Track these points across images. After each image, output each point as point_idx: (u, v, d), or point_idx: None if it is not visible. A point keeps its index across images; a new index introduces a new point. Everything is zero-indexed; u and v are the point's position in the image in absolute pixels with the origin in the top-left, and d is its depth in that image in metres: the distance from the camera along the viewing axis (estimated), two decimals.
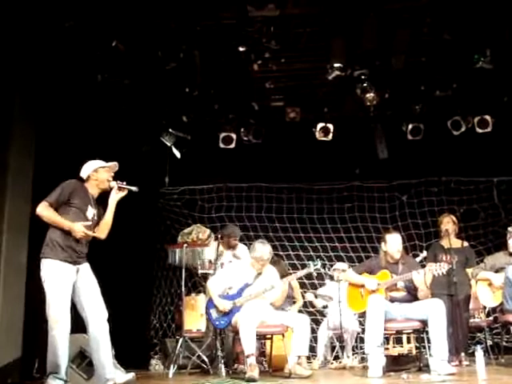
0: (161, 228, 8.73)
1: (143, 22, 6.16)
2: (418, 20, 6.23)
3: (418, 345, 6.51)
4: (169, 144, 8.18)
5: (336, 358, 7.34)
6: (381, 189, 8.96)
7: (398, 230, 6.75)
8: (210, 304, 5.92)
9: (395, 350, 7.64)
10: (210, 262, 7.02)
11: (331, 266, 7.72)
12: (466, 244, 6.86)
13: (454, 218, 6.83)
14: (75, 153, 7.15)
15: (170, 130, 8.12)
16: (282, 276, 6.23)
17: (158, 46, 6.50)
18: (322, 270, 6.57)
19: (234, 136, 8.23)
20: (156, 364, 7.68)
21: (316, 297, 7.87)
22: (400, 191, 8.93)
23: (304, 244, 8.89)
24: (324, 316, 7.72)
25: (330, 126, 8.08)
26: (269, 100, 7.81)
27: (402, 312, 5.64)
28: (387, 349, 7.20)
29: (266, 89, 7.50)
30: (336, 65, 6.59)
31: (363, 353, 6.75)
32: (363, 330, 6.16)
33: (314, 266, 6.06)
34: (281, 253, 8.60)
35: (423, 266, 5.90)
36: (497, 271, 6.37)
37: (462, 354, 6.12)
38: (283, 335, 5.82)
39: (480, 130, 7.88)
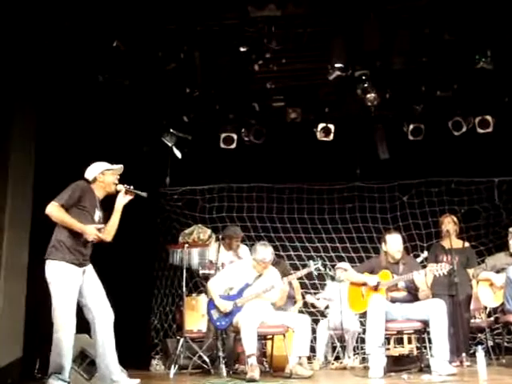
0: (162, 228, 8.73)
1: (144, 23, 6.15)
2: (419, 20, 6.23)
3: (418, 345, 6.50)
4: (170, 144, 8.18)
5: (337, 358, 7.34)
6: (382, 189, 8.95)
7: (398, 230, 6.75)
8: (211, 305, 5.92)
9: (396, 351, 7.64)
10: (211, 262, 7.03)
11: (332, 266, 7.72)
12: (466, 244, 6.86)
13: (455, 219, 6.84)
14: (76, 153, 7.17)
15: (171, 130, 8.12)
16: (284, 276, 6.23)
17: (159, 46, 6.50)
18: (323, 270, 6.56)
19: (234, 136, 8.23)
20: (157, 364, 7.68)
21: (318, 299, 7.87)
22: (401, 191, 8.92)
23: (305, 244, 8.88)
24: (325, 316, 7.71)
25: (331, 127, 8.07)
26: (270, 100, 7.80)
27: (403, 312, 5.64)
28: (388, 349, 7.19)
29: (267, 89, 7.49)
30: (337, 65, 6.59)
31: (364, 353, 6.75)
32: (364, 331, 6.16)
33: (315, 265, 6.07)
34: (282, 253, 8.59)
35: (424, 267, 5.90)
36: (498, 272, 6.37)
37: (463, 355, 6.12)
38: (284, 335, 5.82)
39: (481, 131, 7.87)
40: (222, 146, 8.26)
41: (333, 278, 7.51)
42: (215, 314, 5.86)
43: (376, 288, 5.73)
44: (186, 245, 7.13)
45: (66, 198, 4.49)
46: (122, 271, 7.58)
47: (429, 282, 5.90)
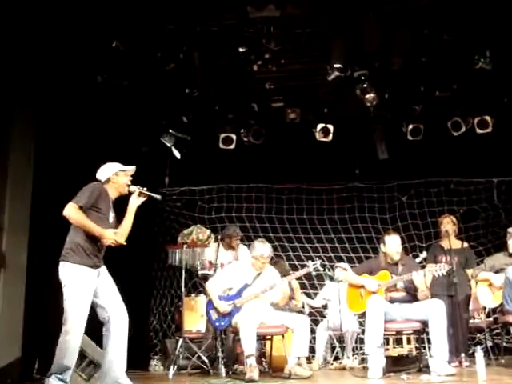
0: (161, 228, 8.73)
1: (143, 23, 6.15)
2: (418, 21, 6.23)
3: (418, 345, 6.51)
4: (169, 145, 8.18)
5: (336, 358, 7.35)
6: (381, 189, 8.96)
7: (397, 230, 6.76)
8: (210, 305, 5.93)
9: (395, 351, 7.64)
10: (210, 262, 7.03)
11: (331, 266, 7.73)
12: (465, 245, 6.86)
13: (454, 219, 6.84)
14: (75, 153, 7.16)
15: (170, 130, 8.12)
16: (284, 276, 6.23)
17: (158, 46, 6.50)
18: (322, 270, 6.56)
19: (234, 137, 8.23)
20: (156, 365, 7.68)
21: (312, 299, 7.89)
22: (400, 192, 8.93)
23: (304, 245, 8.89)
24: (324, 316, 7.72)
25: (330, 127, 8.07)
26: (269, 101, 7.80)
27: (402, 313, 5.65)
28: (387, 349, 7.20)
29: (266, 89, 7.50)
30: (336, 65, 6.58)
31: (363, 353, 6.75)
32: (363, 331, 6.16)
33: (314, 265, 6.07)
34: (281, 253, 8.60)
35: (423, 267, 5.91)
36: (497, 272, 6.38)
37: (462, 355, 6.12)
38: (283, 336, 5.82)
39: (480, 131, 7.87)
40: (221, 146, 8.26)
41: (331, 279, 7.51)
42: (214, 315, 5.86)
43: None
44: (185, 245, 7.13)
45: (85, 199, 4.40)
46: (120, 271, 7.53)
47: (428, 282, 5.90)
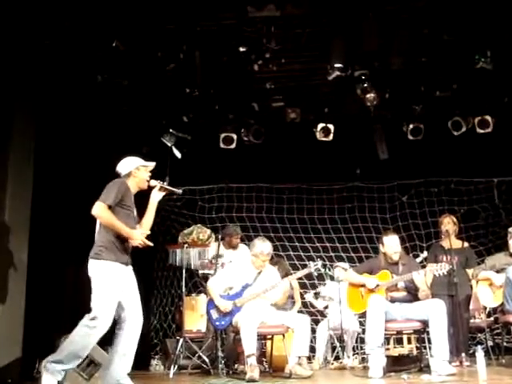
0: (161, 228, 8.73)
1: (143, 23, 6.15)
2: (418, 20, 6.22)
3: (418, 345, 6.51)
4: (169, 144, 8.17)
5: (336, 358, 7.34)
6: (381, 189, 8.96)
7: (398, 230, 6.76)
8: (211, 305, 5.92)
9: (396, 351, 7.64)
10: (211, 262, 7.03)
11: (332, 266, 7.73)
12: (466, 244, 6.86)
13: (455, 219, 6.84)
14: (75, 153, 7.17)
15: (171, 130, 8.12)
16: (285, 275, 6.23)
17: (158, 46, 6.50)
18: (323, 270, 6.56)
19: (234, 136, 8.23)
20: (156, 364, 7.69)
21: (316, 298, 7.87)
22: (400, 192, 8.93)
23: (305, 244, 8.90)
24: (324, 316, 7.72)
25: (331, 127, 8.07)
26: (269, 100, 7.80)
27: (403, 312, 5.64)
28: (388, 349, 7.19)
29: (267, 89, 7.49)
30: (336, 65, 6.58)
31: (364, 353, 6.76)
32: (363, 331, 6.16)
33: (315, 266, 6.07)
34: (281, 253, 8.60)
35: (423, 267, 5.90)
36: (497, 272, 6.37)
37: (463, 355, 6.12)
38: (283, 335, 5.82)
39: (480, 131, 7.87)
40: (222, 146, 8.26)
41: (332, 278, 7.51)
42: (214, 314, 5.86)
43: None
44: (186, 245, 7.14)
45: (113, 197, 4.37)
46: None
47: (428, 282, 5.90)
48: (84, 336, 4.23)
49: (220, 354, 6.13)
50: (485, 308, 7.08)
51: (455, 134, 7.93)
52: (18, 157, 6.00)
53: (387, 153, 8.18)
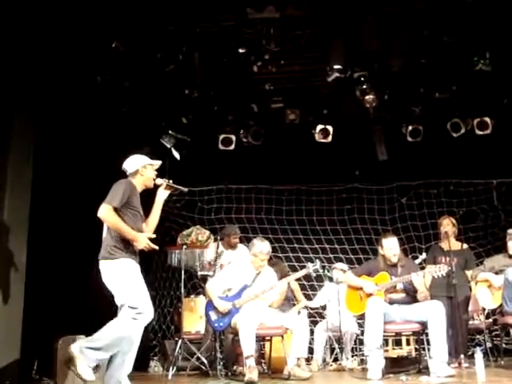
0: (160, 229, 8.70)
1: (143, 24, 6.16)
2: (418, 22, 6.23)
3: (417, 347, 6.50)
4: (168, 146, 8.18)
5: (335, 359, 7.33)
6: (380, 191, 8.96)
7: (397, 232, 6.76)
8: (209, 306, 5.92)
9: (394, 352, 7.65)
10: (210, 263, 7.02)
11: (330, 267, 7.72)
12: (465, 246, 6.86)
13: (454, 220, 6.84)
14: (74, 154, 7.16)
15: (170, 131, 8.12)
16: (282, 277, 6.23)
17: (158, 47, 6.51)
18: (321, 271, 6.56)
19: (233, 138, 8.23)
20: (155, 366, 7.68)
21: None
22: (399, 193, 8.93)
23: (303, 246, 8.89)
24: (323, 318, 7.71)
25: (330, 128, 8.08)
26: (268, 102, 7.81)
27: (401, 314, 5.64)
28: (386, 351, 7.20)
29: (266, 90, 7.50)
30: (335, 67, 6.59)
31: (362, 355, 6.75)
32: (362, 332, 6.15)
33: (313, 267, 6.07)
34: (280, 254, 8.60)
35: (422, 268, 5.90)
36: (496, 273, 6.37)
37: (462, 356, 6.10)
38: (282, 337, 5.81)
39: (479, 132, 7.88)
40: (221, 147, 8.26)
41: (331, 280, 7.51)
42: (213, 316, 5.85)
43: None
44: (185, 246, 7.13)
45: (119, 199, 4.34)
46: None
47: (427, 283, 5.90)
48: (128, 328, 4.24)
49: (219, 355, 6.13)
50: (484, 309, 7.07)
51: (454, 135, 7.94)
52: (17, 158, 6.01)
53: (386, 154, 8.18)
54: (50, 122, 6.72)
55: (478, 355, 4.84)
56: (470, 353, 6.36)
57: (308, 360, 6.97)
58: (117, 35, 6.16)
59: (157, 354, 8.02)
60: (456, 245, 6.66)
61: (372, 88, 7.19)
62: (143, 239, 4.40)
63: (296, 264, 8.47)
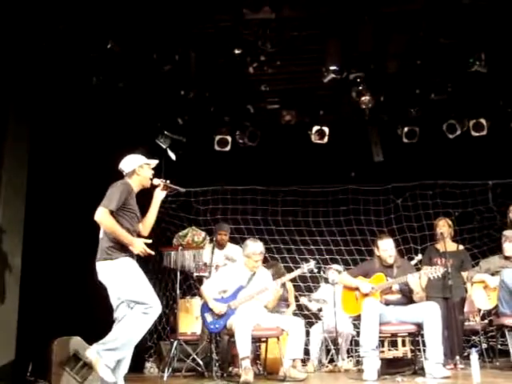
0: (156, 230, 8.69)
1: (138, 25, 6.14)
2: (414, 23, 6.24)
3: (413, 348, 6.50)
4: (164, 146, 8.16)
5: (331, 361, 7.33)
6: (376, 192, 8.95)
7: (392, 233, 6.75)
8: (205, 308, 5.90)
9: (390, 353, 7.64)
10: (205, 264, 7.01)
11: (325, 268, 7.71)
12: (461, 247, 6.88)
13: (449, 222, 6.86)
14: (69, 156, 7.14)
15: (166, 132, 8.10)
16: (279, 277, 6.22)
17: (154, 48, 6.49)
18: (316, 270, 6.55)
19: (229, 139, 8.22)
20: (151, 367, 7.66)
21: (310, 301, 7.85)
22: (395, 194, 8.92)
23: (299, 247, 8.88)
24: (319, 319, 7.71)
25: (326, 129, 8.07)
26: (264, 103, 7.82)
27: (397, 315, 5.64)
28: (382, 352, 7.19)
29: (262, 91, 7.50)
30: (331, 68, 6.59)
31: (358, 356, 6.74)
32: (358, 333, 6.15)
33: (308, 266, 6.05)
34: (276, 255, 8.60)
35: (418, 269, 5.90)
36: (492, 275, 6.37)
37: (457, 357, 6.12)
38: (278, 338, 5.81)
39: (475, 134, 7.88)
40: (217, 148, 8.24)
41: (327, 280, 7.50)
42: (209, 318, 5.83)
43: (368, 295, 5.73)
44: (180, 247, 7.12)
45: (115, 202, 4.33)
46: None
47: (423, 284, 5.90)
48: (141, 323, 4.27)
49: (214, 356, 6.12)
50: (479, 310, 7.09)
51: (450, 136, 7.95)
52: (11, 160, 5.98)
53: (382, 155, 8.18)
54: (45, 123, 6.69)
55: (474, 356, 4.84)
56: (465, 354, 6.35)
57: (304, 361, 6.96)
58: (112, 36, 6.14)
59: (152, 355, 8.00)
60: (452, 246, 6.68)
61: (368, 89, 7.19)
62: (139, 244, 4.38)
63: (292, 265, 8.45)
